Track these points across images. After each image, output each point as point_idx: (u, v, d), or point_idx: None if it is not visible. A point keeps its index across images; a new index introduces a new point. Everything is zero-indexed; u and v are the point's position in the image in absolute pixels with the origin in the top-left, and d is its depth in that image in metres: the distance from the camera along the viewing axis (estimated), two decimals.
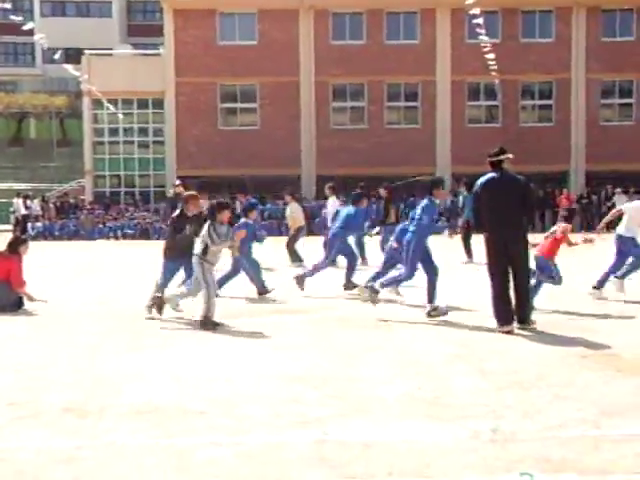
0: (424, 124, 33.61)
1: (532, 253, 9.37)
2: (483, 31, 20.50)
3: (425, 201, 9.74)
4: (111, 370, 6.86)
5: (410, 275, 9.64)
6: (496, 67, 24.72)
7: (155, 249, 19.66)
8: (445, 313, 9.32)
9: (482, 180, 8.75)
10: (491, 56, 23.47)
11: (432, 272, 9.54)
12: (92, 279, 14.86)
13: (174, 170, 32.68)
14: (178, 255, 9.88)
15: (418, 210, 9.71)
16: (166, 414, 5.43)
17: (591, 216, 30.24)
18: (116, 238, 30.40)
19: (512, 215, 8.48)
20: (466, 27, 30.42)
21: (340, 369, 6.81)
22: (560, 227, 10.28)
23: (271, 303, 10.97)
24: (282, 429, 5.08)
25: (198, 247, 9.07)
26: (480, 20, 19.40)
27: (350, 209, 12.27)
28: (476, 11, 18.61)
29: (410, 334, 8.48)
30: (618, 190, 30.45)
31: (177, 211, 10.34)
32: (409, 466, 4.38)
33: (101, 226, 31.34)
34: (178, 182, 20.15)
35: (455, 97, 33.30)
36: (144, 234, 30.47)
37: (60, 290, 12.81)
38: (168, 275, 10.09)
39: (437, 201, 9.91)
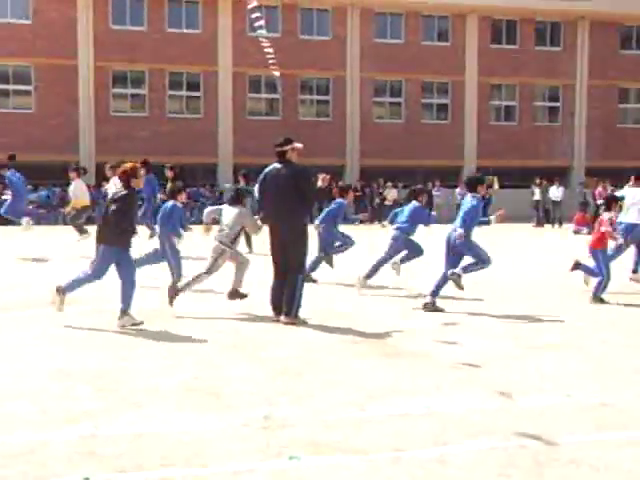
0: (206, 114, 33.56)
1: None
2: (262, 24, 20.78)
3: (470, 198, 9.78)
4: None
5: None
6: (276, 61, 25.17)
7: None
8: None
9: (264, 171, 8.90)
10: (270, 50, 23.85)
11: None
12: None
13: None
14: (128, 240, 8.33)
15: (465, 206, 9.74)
16: None
17: (364, 208, 31.63)
18: None
19: (288, 207, 8.59)
20: (247, 20, 30.66)
21: (114, 362, 6.68)
22: (606, 219, 10.58)
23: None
24: (49, 426, 4.91)
25: (229, 235, 9.24)
26: (259, 14, 19.65)
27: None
28: (255, 3, 18.82)
29: (187, 325, 8.48)
30: (389, 184, 32.19)
31: (121, 188, 8.36)
32: (180, 456, 4.40)
33: None
34: None
35: (236, 89, 33.52)
36: None
37: None
38: (139, 264, 8.76)
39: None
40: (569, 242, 21.52)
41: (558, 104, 37.11)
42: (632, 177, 12.32)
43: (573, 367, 6.72)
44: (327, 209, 12.35)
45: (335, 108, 34.78)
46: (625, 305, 10.32)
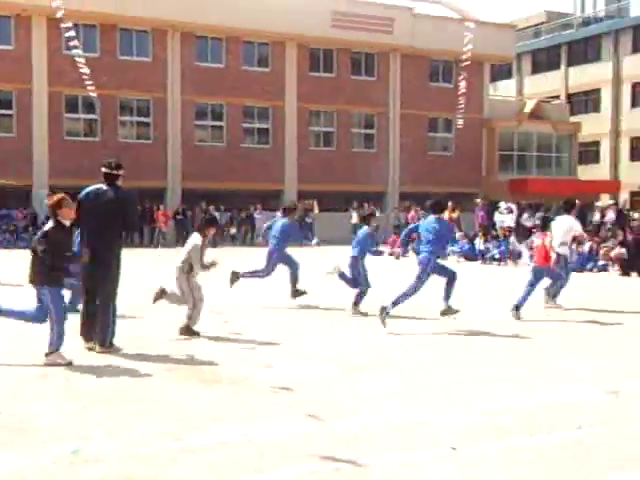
0: (19, 134, 32.04)
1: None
2: (77, 44, 20.18)
3: (432, 220, 10.56)
4: None
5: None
6: (93, 81, 24.51)
7: None
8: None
9: (87, 190, 8.57)
10: (87, 70, 23.22)
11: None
12: None
13: None
14: (63, 277, 7.88)
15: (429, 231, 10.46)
16: None
17: (187, 232, 31.35)
18: None
19: (107, 231, 8.33)
20: (63, 38, 29.67)
21: None
22: (543, 237, 11.63)
23: None
24: None
25: (189, 263, 9.30)
26: (74, 33, 19.05)
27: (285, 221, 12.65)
28: (70, 24, 18.24)
29: None
30: (211, 207, 32.13)
31: (50, 222, 7.82)
32: None
33: None
34: None
35: (52, 108, 32.26)
36: None
37: None
38: (65, 306, 7.93)
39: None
40: (385, 263, 22.24)
41: (373, 131, 38.51)
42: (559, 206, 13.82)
43: (387, 387, 6.93)
44: (280, 228, 12.54)
45: (156, 130, 34.26)
46: (441, 323, 10.78)
